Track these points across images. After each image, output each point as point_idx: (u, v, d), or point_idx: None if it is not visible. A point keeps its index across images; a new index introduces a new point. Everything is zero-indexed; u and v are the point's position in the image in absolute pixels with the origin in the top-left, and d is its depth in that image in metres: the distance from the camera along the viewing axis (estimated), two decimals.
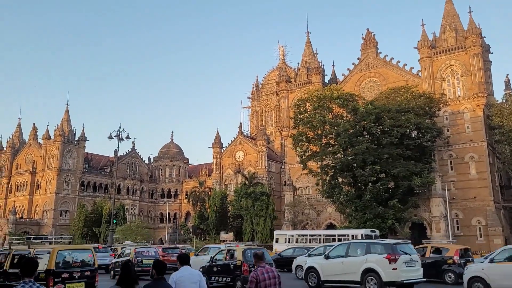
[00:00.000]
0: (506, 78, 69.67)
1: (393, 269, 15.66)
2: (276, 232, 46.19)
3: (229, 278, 18.45)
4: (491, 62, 55.76)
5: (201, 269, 19.45)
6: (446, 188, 45.74)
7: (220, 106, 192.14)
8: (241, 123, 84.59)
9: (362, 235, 34.33)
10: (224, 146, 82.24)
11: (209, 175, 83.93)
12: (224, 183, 78.96)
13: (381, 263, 15.98)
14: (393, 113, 43.33)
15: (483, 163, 50.35)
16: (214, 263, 19.86)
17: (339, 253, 18.20)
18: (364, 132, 44.97)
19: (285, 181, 75.39)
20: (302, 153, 47.78)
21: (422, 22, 56.03)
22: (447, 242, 31.27)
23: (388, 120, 42.95)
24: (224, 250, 20.50)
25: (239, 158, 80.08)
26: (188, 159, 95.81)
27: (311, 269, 18.64)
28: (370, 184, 43.80)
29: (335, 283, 17.79)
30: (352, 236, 34.89)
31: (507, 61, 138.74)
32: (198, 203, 76.00)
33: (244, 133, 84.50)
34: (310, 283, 18.51)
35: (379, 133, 44.64)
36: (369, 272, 16.16)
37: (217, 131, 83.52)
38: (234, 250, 19.56)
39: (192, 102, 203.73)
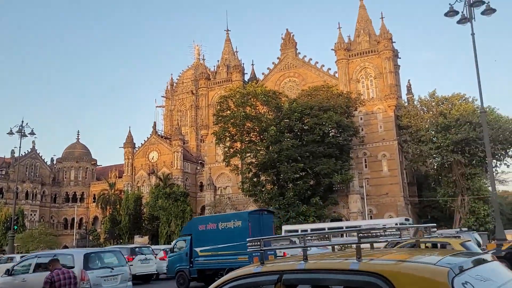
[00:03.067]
0: (408, 83, 75.25)
1: (130, 265, 20.93)
2: (285, 227, 39.41)
3: None
4: (399, 66, 59.55)
5: None
6: (364, 185, 47.56)
7: (132, 105, 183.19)
8: (155, 123, 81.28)
9: (397, 224, 33.01)
10: (136, 146, 78.29)
11: (120, 177, 79.29)
12: (137, 185, 75.06)
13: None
14: (315, 111, 44.03)
15: (394, 161, 53.38)
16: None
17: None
18: (286, 130, 45.15)
19: (201, 182, 73.74)
20: (226, 150, 46.65)
21: (338, 25, 58.22)
22: None
23: (311, 118, 43.54)
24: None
25: (152, 158, 76.72)
26: (96, 160, 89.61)
27: None
28: (293, 181, 44.04)
29: None
30: (384, 226, 32.57)
31: (409, 66, 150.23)
32: (108, 207, 71.37)
33: (158, 133, 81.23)
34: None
35: (301, 131, 45.14)
36: None
37: (129, 131, 79.44)
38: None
39: (100, 100, 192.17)
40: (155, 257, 24.30)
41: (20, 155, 76.19)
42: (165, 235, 59.26)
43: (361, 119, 54.99)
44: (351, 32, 60.09)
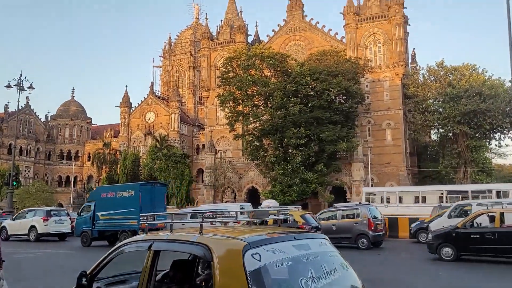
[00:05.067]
0: (413, 52, 73.79)
1: (45, 225, 25.88)
2: (365, 189, 36.97)
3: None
4: (408, 33, 57.88)
5: None
6: (367, 154, 47.06)
7: (129, 64, 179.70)
8: (152, 83, 79.58)
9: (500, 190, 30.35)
10: (133, 106, 76.97)
11: (115, 137, 78.27)
12: (133, 145, 74.14)
13: (39, 222, 26.06)
14: (324, 75, 42.82)
15: (399, 130, 52.74)
16: None
17: (21, 216, 27.89)
18: (292, 95, 43.95)
19: (197, 145, 72.97)
20: (230, 115, 45.56)
21: None
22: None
23: (320, 83, 42.38)
24: None
25: (149, 119, 75.55)
26: (91, 119, 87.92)
27: (3, 228, 27.42)
28: (297, 147, 43.26)
29: (17, 236, 26.97)
30: (497, 191, 30.36)
31: (414, 35, 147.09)
32: (104, 166, 70.69)
33: (156, 94, 79.67)
34: (1, 237, 25.99)
35: (308, 96, 44.02)
36: (32, 228, 26.05)
37: (126, 90, 78.14)
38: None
39: (97, 58, 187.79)
40: (70, 218, 28.08)
41: (15, 110, 74.38)
42: None
43: (367, 86, 53.86)
44: None
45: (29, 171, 75.85)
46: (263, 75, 46.08)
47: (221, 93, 46.72)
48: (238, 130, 48.59)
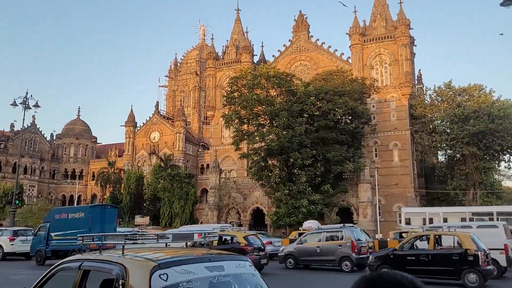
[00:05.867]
0: (419, 73, 73.68)
1: (11, 244, 26.35)
2: (404, 210, 35.10)
3: None
4: (414, 54, 57.81)
5: None
6: (374, 175, 46.35)
7: (135, 83, 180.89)
8: (157, 102, 79.63)
9: None
10: (138, 125, 76.88)
11: (120, 156, 77.94)
12: (137, 165, 73.74)
13: (5, 241, 26.62)
14: (330, 95, 42.53)
15: (406, 151, 52.04)
16: None
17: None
18: (297, 115, 43.62)
19: (202, 164, 72.50)
20: (235, 134, 45.20)
21: (354, 8, 56.17)
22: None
23: (326, 103, 42.07)
24: None
25: (154, 138, 75.31)
26: (96, 138, 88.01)
27: None
28: (302, 168, 42.67)
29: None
30: None
31: (419, 56, 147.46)
32: (108, 185, 70.18)
33: (161, 113, 79.69)
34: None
35: (313, 115, 43.66)
36: None
37: (131, 109, 77.98)
38: None
39: (102, 77, 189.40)
40: None
41: (21, 128, 74.45)
42: (167, 217, 58.19)
43: (373, 106, 53.43)
44: (366, 17, 58.25)
45: (33, 190, 75.49)
46: (268, 94, 45.89)
47: (227, 113, 46.48)
48: (244, 149, 48.16)
